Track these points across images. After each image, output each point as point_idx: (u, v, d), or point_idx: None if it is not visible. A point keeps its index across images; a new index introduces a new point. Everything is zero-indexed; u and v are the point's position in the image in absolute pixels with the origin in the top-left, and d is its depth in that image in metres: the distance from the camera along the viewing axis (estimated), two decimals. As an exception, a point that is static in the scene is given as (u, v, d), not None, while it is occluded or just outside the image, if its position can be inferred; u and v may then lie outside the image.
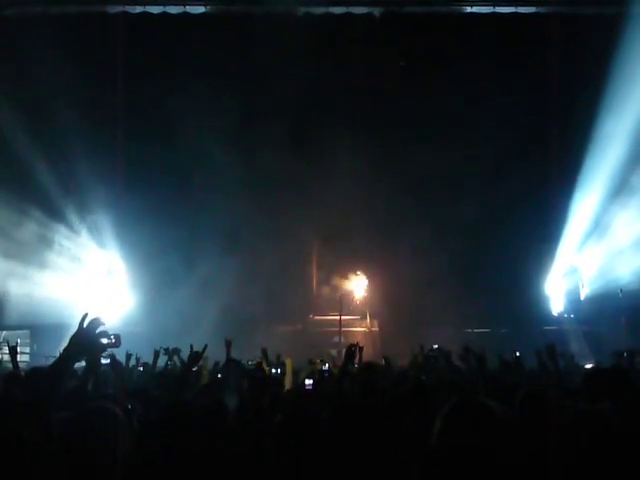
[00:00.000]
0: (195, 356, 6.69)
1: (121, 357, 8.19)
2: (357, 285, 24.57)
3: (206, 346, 7.39)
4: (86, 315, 3.79)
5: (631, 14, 20.28)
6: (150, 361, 9.96)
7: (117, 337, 4.08)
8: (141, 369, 10.80)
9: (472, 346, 8.90)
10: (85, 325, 3.78)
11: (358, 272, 24.52)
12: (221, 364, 9.44)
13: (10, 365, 8.77)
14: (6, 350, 13.18)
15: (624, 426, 3.56)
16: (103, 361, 7.00)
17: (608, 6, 22.46)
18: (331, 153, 22.40)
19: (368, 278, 24.37)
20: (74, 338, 3.76)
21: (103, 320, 3.80)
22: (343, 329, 21.95)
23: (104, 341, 3.89)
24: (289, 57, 21.12)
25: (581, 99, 21.25)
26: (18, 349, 21.06)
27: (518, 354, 9.94)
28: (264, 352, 10.70)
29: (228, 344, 9.22)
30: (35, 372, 5.85)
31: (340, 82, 22.63)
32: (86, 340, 3.77)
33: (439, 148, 22.33)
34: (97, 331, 3.79)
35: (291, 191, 22.39)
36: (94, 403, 3.93)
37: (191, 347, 7.04)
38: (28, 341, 21.87)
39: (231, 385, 6.78)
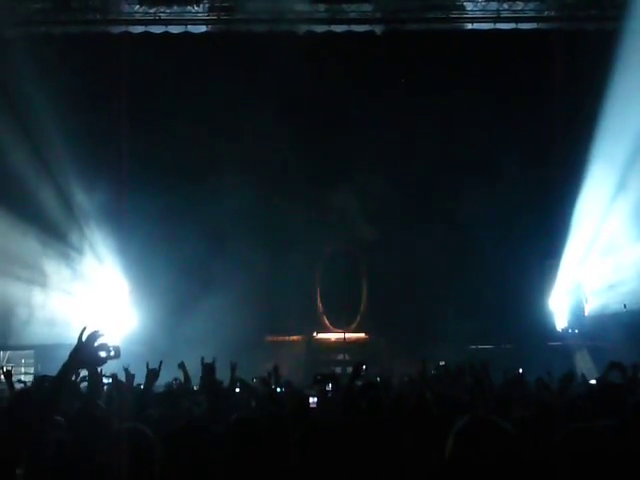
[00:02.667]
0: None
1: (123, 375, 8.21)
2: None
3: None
4: (85, 329, 3.82)
5: (629, 29, 20.30)
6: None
7: (117, 349, 4.09)
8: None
9: (477, 363, 8.85)
10: (84, 338, 3.80)
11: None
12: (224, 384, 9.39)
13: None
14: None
15: (619, 445, 3.55)
16: (105, 380, 6.98)
17: (608, 22, 22.57)
18: (332, 169, 22.61)
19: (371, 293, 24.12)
20: (74, 352, 3.79)
21: (102, 332, 3.82)
22: (347, 346, 21.87)
23: (103, 354, 3.91)
24: (290, 75, 21.19)
25: (582, 113, 21.33)
26: (22, 369, 21.03)
27: (521, 371, 9.89)
28: (275, 369, 10.58)
29: (233, 367, 9.16)
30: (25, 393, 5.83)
31: (342, 99, 22.68)
32: (86, 353, 3.79)
33: (438, 162, 22.51)
34: (96, 344, 3.81)
35: (296, 205, 22.42)
36: (125, 425, 3.93)
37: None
38: (32, 361, 21.85)
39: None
